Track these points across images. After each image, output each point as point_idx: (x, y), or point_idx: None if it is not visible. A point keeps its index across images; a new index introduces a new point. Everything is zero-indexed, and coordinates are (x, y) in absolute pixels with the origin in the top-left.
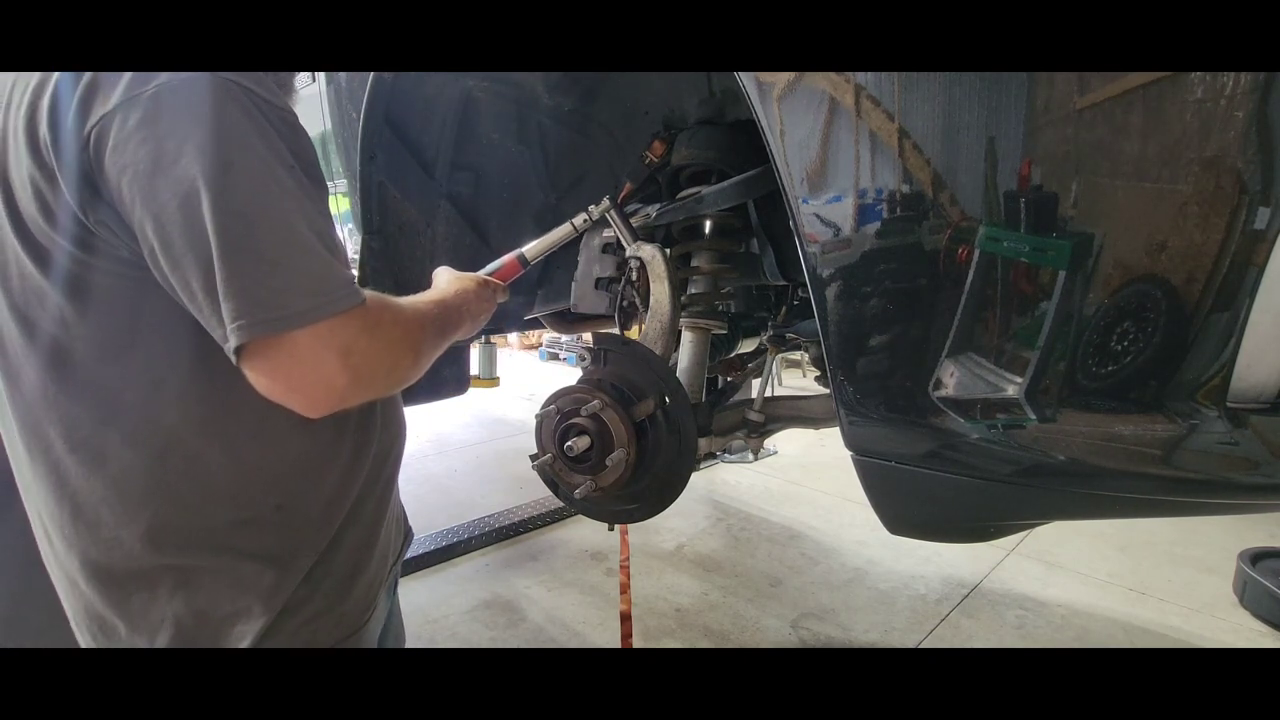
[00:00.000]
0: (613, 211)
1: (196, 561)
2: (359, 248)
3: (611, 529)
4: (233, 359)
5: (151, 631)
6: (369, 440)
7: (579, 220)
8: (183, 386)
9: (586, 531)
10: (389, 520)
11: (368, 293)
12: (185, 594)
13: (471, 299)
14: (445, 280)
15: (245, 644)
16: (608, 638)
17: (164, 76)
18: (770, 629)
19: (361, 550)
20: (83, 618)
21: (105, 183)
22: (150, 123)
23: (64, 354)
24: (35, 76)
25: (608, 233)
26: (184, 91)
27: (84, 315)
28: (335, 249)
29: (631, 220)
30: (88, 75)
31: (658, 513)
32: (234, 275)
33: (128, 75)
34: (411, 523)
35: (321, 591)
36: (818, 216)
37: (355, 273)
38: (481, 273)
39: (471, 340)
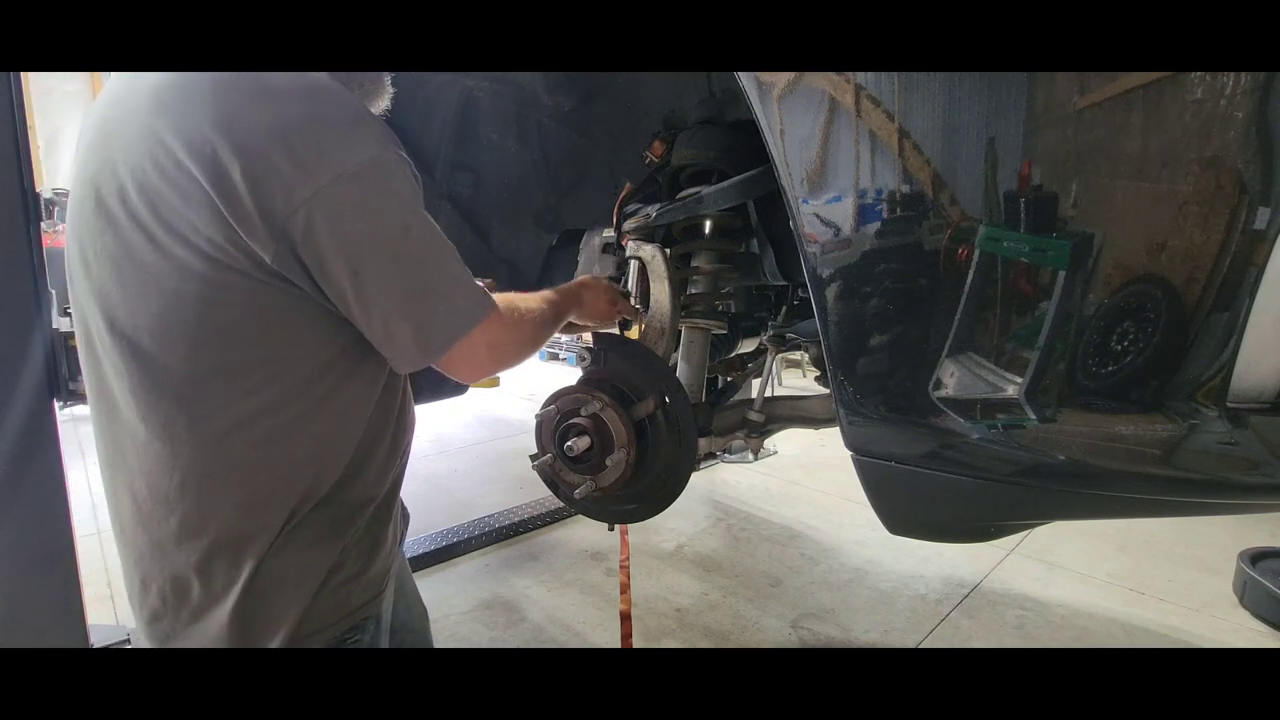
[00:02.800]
0: None
1: (275, 529)
2: None
3: (611, 529)
4: (400, 369)
5: (224, 591)
6: (402, 427)
7: None
8: (293, 384)
9: (586, 531)
10: (399, 502)
11: (496, 296)
12: (260, 559)
13: (582, 292)
14: (577, 281)
15: (299, 606)
16: (608, 638)
17: (358, 152)
18: (770, 629)
19: (381, 524)
20: (156, 580)
21: (311, 244)
22: (357, 203)
23: (209, 346)
24: (175, 99)
25: (608, 232)
26: (378, 167)
27: (240, 317)
28: (464, 267)
29: (631, 220)
30: (289, 141)
31: (658, 513)
32: (418, 314)
33: (330, 148)
34: (412, 523)
35: (352, 557)
36: (818, 216)
37: None
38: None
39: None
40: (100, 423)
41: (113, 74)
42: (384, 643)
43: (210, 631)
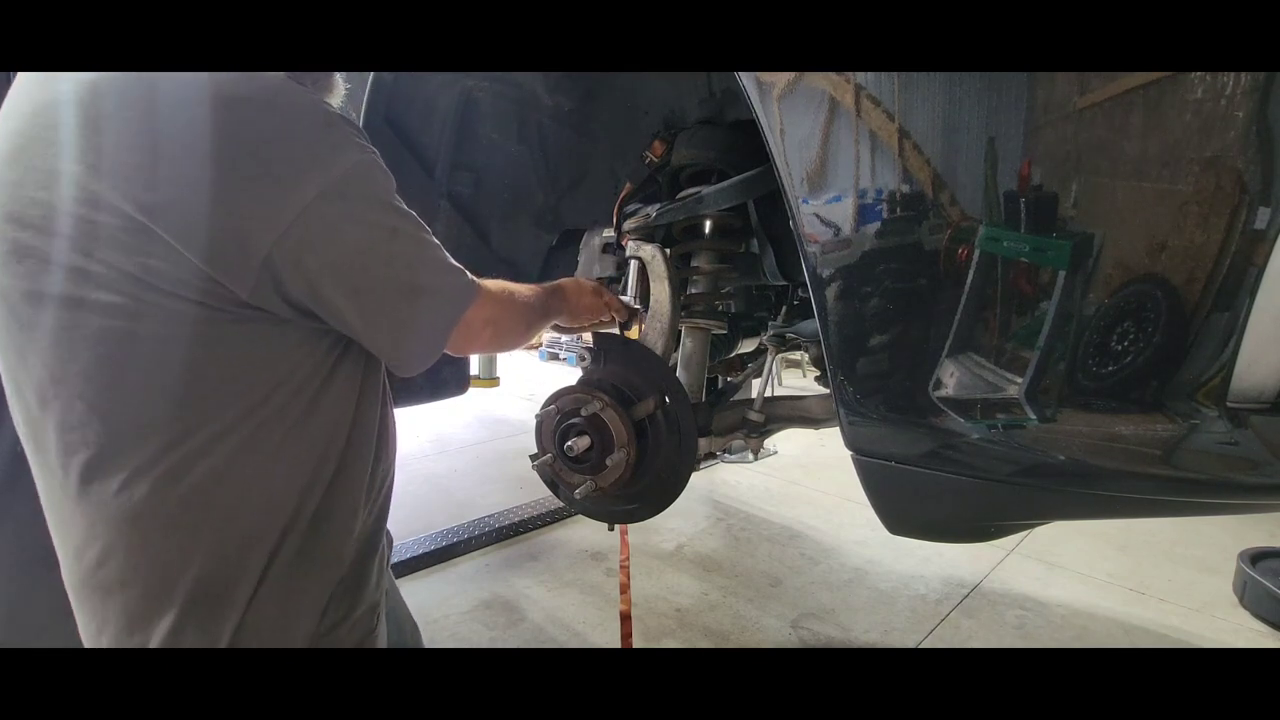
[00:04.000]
0: None
1: (254, 578)
2: None
3: (611, 529)
4: (404, 372)
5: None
6: (383, 455)
7: None
8: (267, 417)
9: (586, 531)
10: (385, 536)
11: (490, 282)
12: (241, 615)
13: (571, 294)
14: (564, 280)
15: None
16: (608, 638)
17: (338, 161)
18: (770, 629)
19: (365, 560)
20: (130, 643)
21: (300, 271)
22: (345, 217)
23: (169, 387)
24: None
25: (608, 232)
26: (359, 173)
27: (203, 353)
28: (443, 249)
29: (631, 220)
30: (260, 158)
31: (658, 513)
32: (418, 316)
33: (309, 162)
34: (412, 523)
35: (335, 600)
36: (818, 216)
37: None
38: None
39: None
40: (43, 485)
41: (19, 76)
42: None
43: None
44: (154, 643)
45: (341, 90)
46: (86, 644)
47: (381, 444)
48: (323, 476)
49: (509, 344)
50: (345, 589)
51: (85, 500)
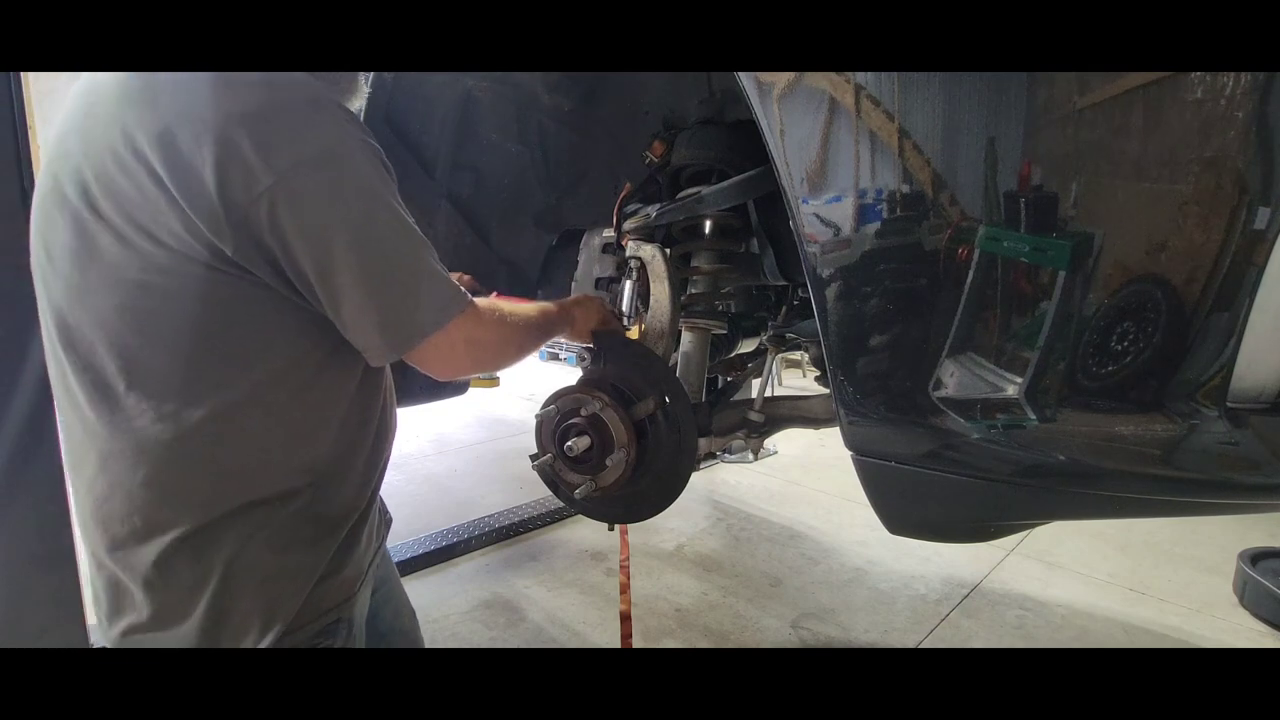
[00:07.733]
0: None
1: (247, 528)
2: None
3: (611, 529)
4: (372, 361)
5: (193, 593)
6: (384, 430)
7: None
8: (263, 378)
9: (586, 531)
10: (377, 504)
11: (481, 301)
12: (230, 560)
13: (575, 310)
14: (571, 299)
15: (271, 608)
16: (608, 638)
17: (319, 137)
18: (770, 629)
19: (358, 525)
20: (120, 582)
21: (275, 233)
22: (319, 188)
23: (174, 339)
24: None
25: (608, 232)
26: (339, 152)
27: (205, 309)
28: (440, 263)
29: (631, 220)
30: (248, 127)
31: (658, 513)
32: (383, 305)
33: (289, 134)
34: (412, 523)
35: (324, 558)
36: (818, 216)
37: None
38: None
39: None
40: (64, 420)
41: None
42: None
43: (179, 635)
44: (148, 559)
45: (363, 92)
46: (90, 571)
47: (381, 430)
48: (322, 450)
49: (490, 366)
50: (338, 550)
51: (99, 434)
